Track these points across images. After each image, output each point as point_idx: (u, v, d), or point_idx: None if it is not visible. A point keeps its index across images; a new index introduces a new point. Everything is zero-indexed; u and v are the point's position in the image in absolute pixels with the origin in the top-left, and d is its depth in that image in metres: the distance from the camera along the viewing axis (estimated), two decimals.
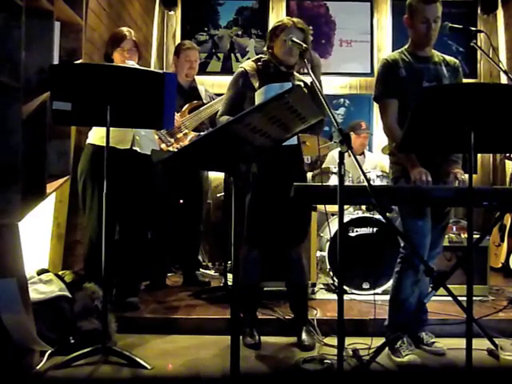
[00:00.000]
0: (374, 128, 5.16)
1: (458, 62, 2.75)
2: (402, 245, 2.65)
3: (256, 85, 2.68)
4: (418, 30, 2.61)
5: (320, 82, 2.66)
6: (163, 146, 3.55)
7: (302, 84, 2.61)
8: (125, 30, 3.19)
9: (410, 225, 2.57)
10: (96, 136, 3.07)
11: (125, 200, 3.08)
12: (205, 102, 3.82)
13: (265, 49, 2.78)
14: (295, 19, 2.74)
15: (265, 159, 2.64)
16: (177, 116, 3.60)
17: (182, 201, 3.95)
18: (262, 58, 2.78)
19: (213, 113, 3.73)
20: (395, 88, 2.61)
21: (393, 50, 2.95)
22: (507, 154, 3.71)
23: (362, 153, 4.68)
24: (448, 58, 2.74)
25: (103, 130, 2.86)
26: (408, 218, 2.58)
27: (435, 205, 2.61)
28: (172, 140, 3.58)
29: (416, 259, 2.53)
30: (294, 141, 2.70)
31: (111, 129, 2.48)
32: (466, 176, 2.65)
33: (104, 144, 2.55)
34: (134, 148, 3.13)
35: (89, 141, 3.13)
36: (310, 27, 3.14)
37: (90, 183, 3.06)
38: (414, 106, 1.95)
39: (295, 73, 2.80)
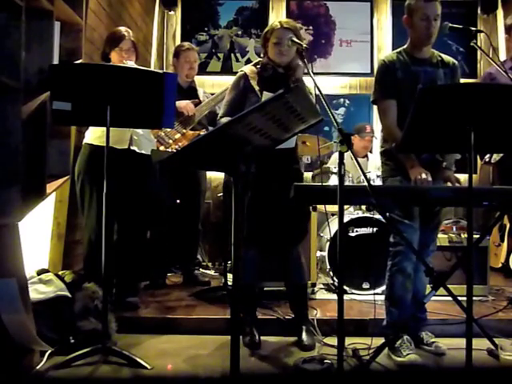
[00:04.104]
0: (374, 128, 5.15)
1: (456, 62, 2.74)
2: (392, 241, 2.66)
3: (256, 87, 2.74)
4: (418, 28, 2.60)
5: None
6: (162, 148, 3.55)
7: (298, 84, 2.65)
8: (123, 30, 3.18)
9: (399, 223, 2.57)
10: (93, 136, 3.07)
11: (123, 200, 3.07)
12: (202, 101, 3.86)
13: (262, 55, 2.85)
14: (283, 20, 2.81)
15: (263, 160, 2.66)
16: (191, 105, 3.64)
17: (179, 200, 3.96)
18: (260, 61, 2.85)
19: (214, 105, 3.75)
20: (393, 89, 2.62)
21: (393, 50, 2.95)
22: (486, 160, 3.71)
23: (366, 155, 4.68)
24: (446, 58, 2.73)
25: (100, 129, 2.87)
26: (396, 217, 2.59)
27: (435, 205, 2.62)
28: (170, 141, 3.58)
29: (406, 255, 2.55)
30: (291, 144, 2.74)
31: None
32: (460, 177, 2.68)
33: (101, 144, 2.55)
34: (131, 148, 3.13)
35: (86, 140, 3.12)
36: (310, 27, 3.14)
37: (88, 183, 3.05)
38: (413, 107, 1.95)
39: (295, 74, 2.82)
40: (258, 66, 2.82)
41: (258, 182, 2.73)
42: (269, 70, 2.77)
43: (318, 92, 2.14)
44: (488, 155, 3.58)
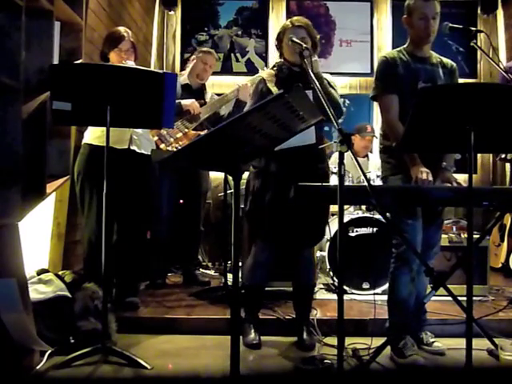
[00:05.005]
0: (375, 128, 5.15)
1: (454, 64, 2.75)
2: (394, 243, 2.65)
3: (273, 89, 2.75)
4: (417, 26, 2.61)
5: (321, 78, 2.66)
6: (162, 146, 3.55)
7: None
8: (122, 30, 3.17)
9: (401, 224, 2.57)
10: (93, 136, 3.06)
11: (123, 200, 3.07)
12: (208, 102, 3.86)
13: (279, 56, 2.86)
14: (294, 18, 2.82)
15: (284, 159, 2.65)
16: (197, 104, 3.66)
17: (182, 201, 3.97)
18: (277, 63, 2.87)
19: (219, 106, 3.75)
20: (395, 84, 2.61)
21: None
22: (502, 156, 3.71)
23: (366, 155, 4.68)
24: (445, 60, 2.74)
25: (100, 129, 2.87)
26: (399, 217, 2.58)
27: (436, 205, 2.62)
28: (171, 140, 3.58)
29: (409, 256, 2.54)
30: (310, 139, 2.67)
31: None
32: (460, 177, 2.67)
33: (101, 144, 2.54)
34: (131, 147, 3.13)
35: (85, 141, 3.12)
36: None
37: (88, 183, 3.05)
38: (413, 106, 1.95)
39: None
40: (275, 68, 2.84)
41: (279, 181, 2.71)
42: (284, 70, 2.79)
43: (318, 92, 2.14)
44: None
